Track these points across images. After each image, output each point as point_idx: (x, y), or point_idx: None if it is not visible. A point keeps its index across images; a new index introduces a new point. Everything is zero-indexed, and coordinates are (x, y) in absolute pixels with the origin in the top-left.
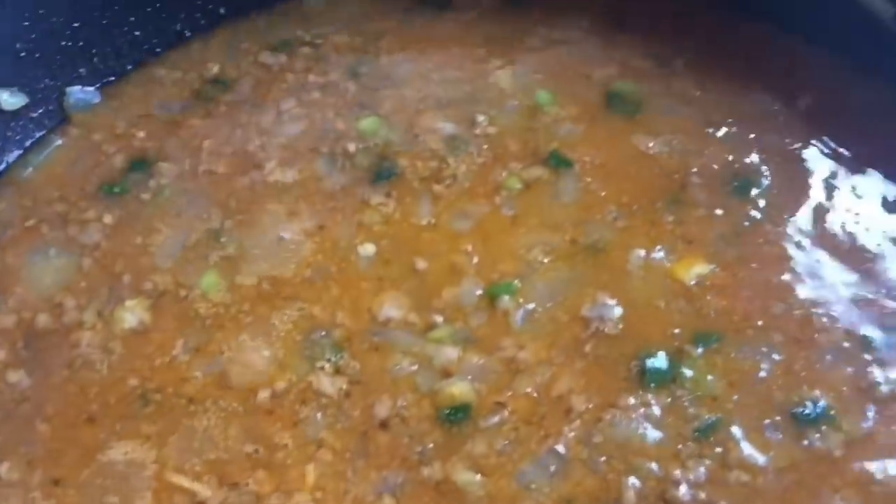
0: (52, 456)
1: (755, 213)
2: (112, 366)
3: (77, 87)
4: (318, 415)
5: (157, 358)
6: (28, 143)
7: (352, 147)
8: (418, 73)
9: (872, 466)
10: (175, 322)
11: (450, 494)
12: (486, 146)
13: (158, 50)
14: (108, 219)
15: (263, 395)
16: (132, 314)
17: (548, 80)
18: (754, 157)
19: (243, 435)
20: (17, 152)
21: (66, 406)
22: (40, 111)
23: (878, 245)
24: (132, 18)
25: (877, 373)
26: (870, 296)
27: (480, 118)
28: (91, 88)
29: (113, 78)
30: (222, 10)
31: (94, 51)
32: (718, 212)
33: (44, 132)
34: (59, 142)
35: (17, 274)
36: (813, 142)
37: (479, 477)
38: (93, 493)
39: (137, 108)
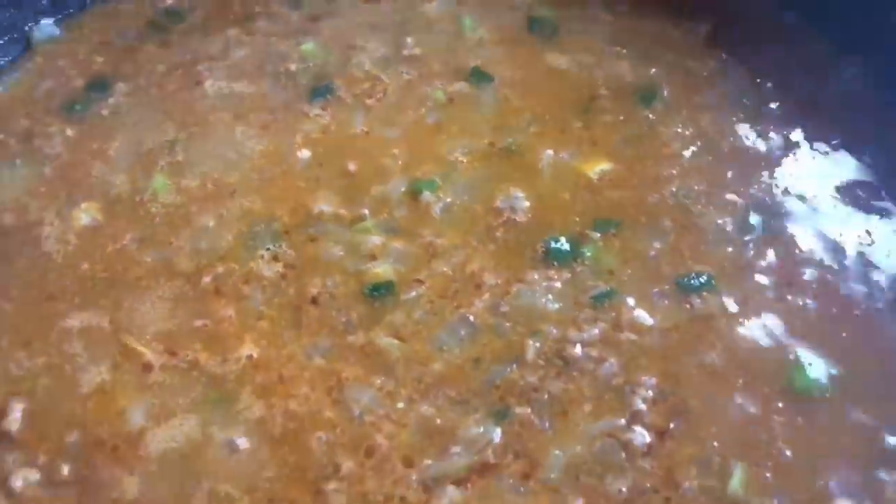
0: (17, 327)
1: (654, 118)
2: (67, 255)
3: (41, 19)
4: (258, 294)
5: (109, 246)
6: None
7: (293, 67)
8: (355, 4)
9: (740, 326)
10: (126, 220)
11: (373, 356)
12: (413, 66)
13: None
14: (69, 132)
15: (207, 278)
16: (87, 214)
17: (473, 9)
18: (656, 72)
19: (191, 311)
20: None
21: (27, 288)
22: (5, 39)
23: (757, 148)
24: None
25: (753, 252)
26: (743, 188)
27: (409, 40)
28: (53, 20)
29: (73, 11)
30: None
31: None
32: (621, 118)
33: (9, 59)
34: (26, 67)
35: None
36: (710, 60)
37: (397, 342)
38: (57, 352)
39: (97, 38)
